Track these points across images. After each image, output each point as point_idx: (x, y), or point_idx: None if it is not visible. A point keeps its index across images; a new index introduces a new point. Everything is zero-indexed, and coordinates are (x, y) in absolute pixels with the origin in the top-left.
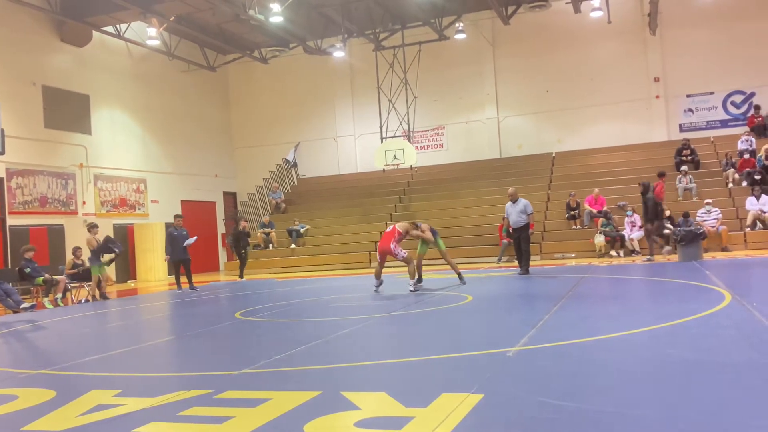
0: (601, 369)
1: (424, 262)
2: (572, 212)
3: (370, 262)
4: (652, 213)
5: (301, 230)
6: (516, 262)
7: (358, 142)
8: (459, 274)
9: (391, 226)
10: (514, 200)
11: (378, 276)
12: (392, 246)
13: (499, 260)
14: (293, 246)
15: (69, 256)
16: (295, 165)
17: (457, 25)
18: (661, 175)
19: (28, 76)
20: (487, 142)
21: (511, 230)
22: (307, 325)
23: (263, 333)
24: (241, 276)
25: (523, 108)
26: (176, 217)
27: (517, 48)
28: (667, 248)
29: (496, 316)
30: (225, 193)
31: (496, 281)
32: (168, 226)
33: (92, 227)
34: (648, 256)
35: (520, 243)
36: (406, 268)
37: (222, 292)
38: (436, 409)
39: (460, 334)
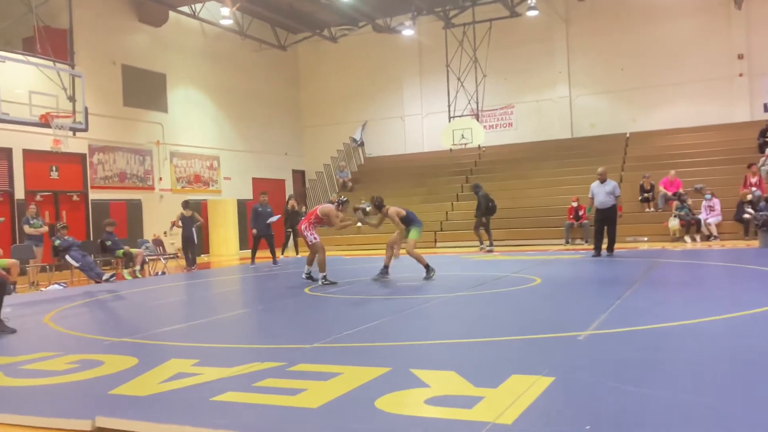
0: (675, 356)
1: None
2: (646, 194)
3: (435, 242)
4: (484, 208)
5: (367, 209)
6: (587, 244)
7: (426, 121)
8: (385, 266)
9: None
10: (603, 180)
11: (309, 262)
12: (302, 227)
13: (567, 242)
14: (359, 224)
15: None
16: (362, 144)
17: (529, 1)
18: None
19: (109, 56)
20: (558, 121)
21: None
22: (375, 303)
23: (332, 309)
24: (280, 253)
25: (596, 86)
26: (262, 194)
27: (592, 24)
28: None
29: (566, 299)
30: (294, 171)
31: (564, 264)
32: (241, 203)
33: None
34: (488, 247)
35: (603, 224)
36: (473, 249)
37: (291, 268)
38: (506, 390)
39: (530, 317)
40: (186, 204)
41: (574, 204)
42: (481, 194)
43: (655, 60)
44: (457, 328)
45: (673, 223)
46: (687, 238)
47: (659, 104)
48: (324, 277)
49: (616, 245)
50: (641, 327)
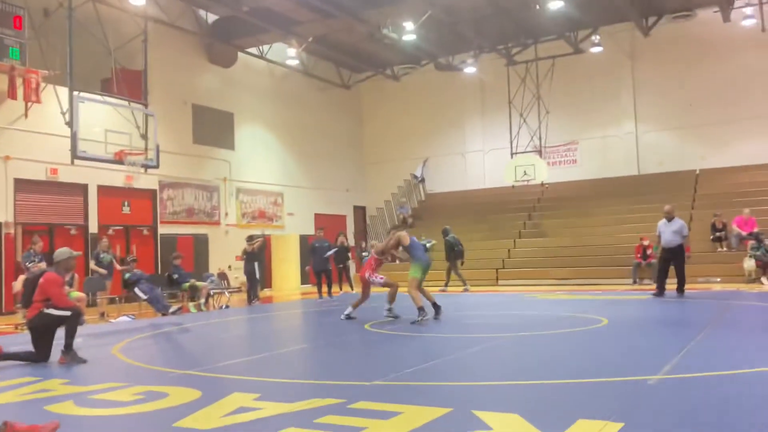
0: (754, 404)
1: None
2: (718, 234)
3: (497, 279)
4: (450, 252)
5: (428, 245)
6: (652, 285)
7: (487, 157)
8: (419, 307)
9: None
10: (670, 219)
11: (354, 306)
12: (366, 275)
13: (634, 282)
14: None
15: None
16: (423, 180)
17: (593, 38)
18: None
19: (181, 95)
20: (624, 158)
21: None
22: (436, 341)
23: (392, 346)
24: (329, 293)
25: (663, 123)
26: (318, 229)
27: (658, 60)
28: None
29: (634, 341)
30: (355, 207)
31: (632, 304)
32: (303, 238)
33: (250, 239)
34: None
35: (668, 263)
36: (526, 288)
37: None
38: None
39: (596, 359)
40: (250, 239)
41: (645, 243)
42: (449, 238)
43: (725, 95)
44: (521, 369)
45: (749, 264)
46: (764, 279)
47: (730, 140)
48: (389, 310)
49: (687, 286)
50: (717, 372)
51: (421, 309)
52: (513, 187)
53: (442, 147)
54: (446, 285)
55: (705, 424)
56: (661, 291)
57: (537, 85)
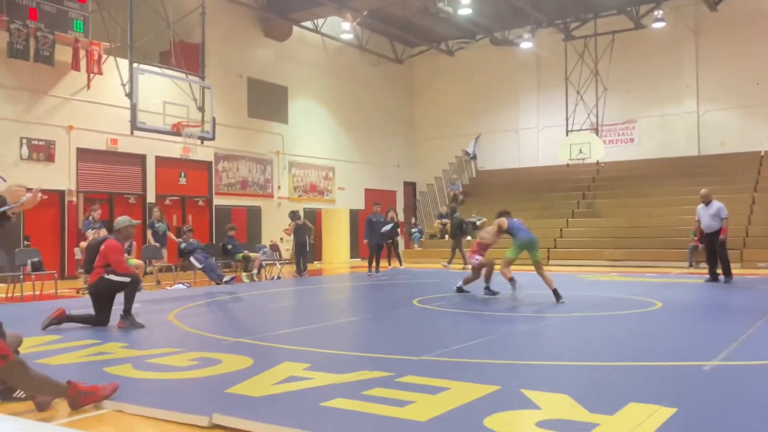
0: None
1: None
2: None
3: (549, 259)
4: (456, 230)
5: (477, 222)
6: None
7: (542, 134)
8: (554, 290)
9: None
10: (707, 202)
11: (487, 280)
12: (469, 252)
13: (690, 265)
14: (469, 238)
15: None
16: (474, 157)
17: (655, 12)
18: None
19: (236, 69)
20: (684, 137)
21: (701, 235)
22: (484, 318)
23: (440, 322)
24: (377, 268)
25: (727, 101)
26: (375, 205)
27: (724, 36)
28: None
29: (689, 325)
30: (405, 183)
31: (688, 288)
32: (353, 212)
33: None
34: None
35: (713, 247)
36: (578, 269)
37: (400, 279)
38: (623, 419)
39: (649, 342)
40: (294, 215)
41: None
42: (456, 215)
43: None
44: (571, 350)
45: None
46: None
47: None
48: (487, 288)
49: (744, 270)
50: None
51: (511, 280)
52: (567, 165)
53: (496, 123)
54: (449, 262)
55: (760, 413)
56: (713, 276)
57: (595, 61)
